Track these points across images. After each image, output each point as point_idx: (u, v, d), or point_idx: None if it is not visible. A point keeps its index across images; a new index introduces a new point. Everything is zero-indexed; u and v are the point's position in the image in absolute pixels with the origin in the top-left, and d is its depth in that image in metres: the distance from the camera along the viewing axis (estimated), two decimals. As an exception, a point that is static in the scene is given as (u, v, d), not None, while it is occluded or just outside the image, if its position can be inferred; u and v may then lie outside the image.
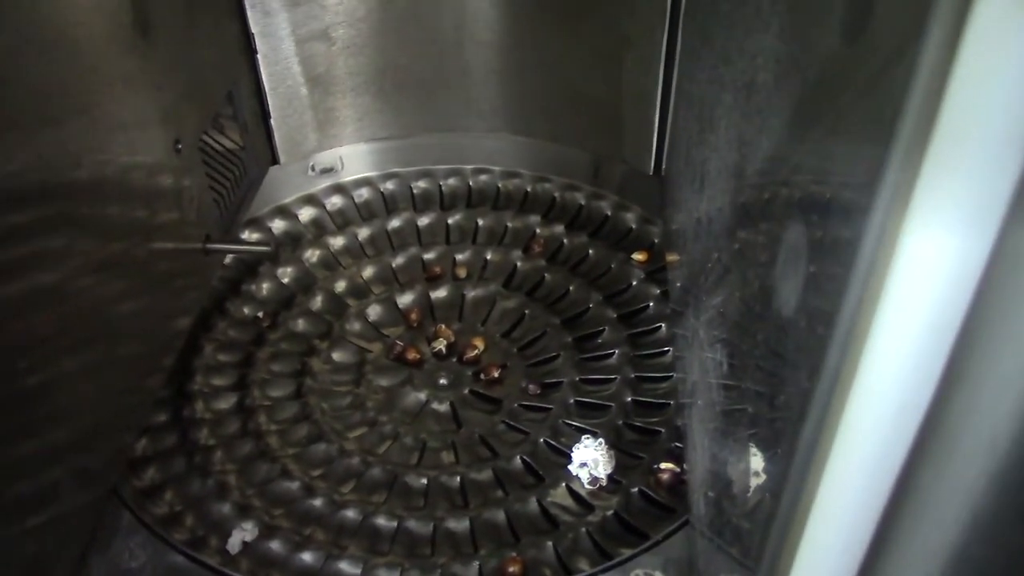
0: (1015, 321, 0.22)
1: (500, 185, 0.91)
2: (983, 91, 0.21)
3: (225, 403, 0.69)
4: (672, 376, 0.70)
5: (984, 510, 0.25)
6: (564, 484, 0.63)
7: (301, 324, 0.76)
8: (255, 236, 0.84)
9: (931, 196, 0.22)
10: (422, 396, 0.71)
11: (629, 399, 0.69)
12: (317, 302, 0.78)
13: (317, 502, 0.62)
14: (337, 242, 0.85)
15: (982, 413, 0.24)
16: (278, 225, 0.86)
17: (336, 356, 0.74)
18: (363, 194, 0.90)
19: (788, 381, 0.31)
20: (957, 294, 0.23)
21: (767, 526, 0.32)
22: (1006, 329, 0.22)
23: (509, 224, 0.86)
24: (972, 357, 0.23)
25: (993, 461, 0.24)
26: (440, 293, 0.80)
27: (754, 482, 0.37)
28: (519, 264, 0.82)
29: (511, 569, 0.56)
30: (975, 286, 0.23)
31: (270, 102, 0.82)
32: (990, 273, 0.22)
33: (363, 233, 0.86)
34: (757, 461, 0.37)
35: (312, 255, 0.83)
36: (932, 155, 0.22)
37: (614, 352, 0.73)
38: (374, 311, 0.78)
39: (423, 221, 0.87)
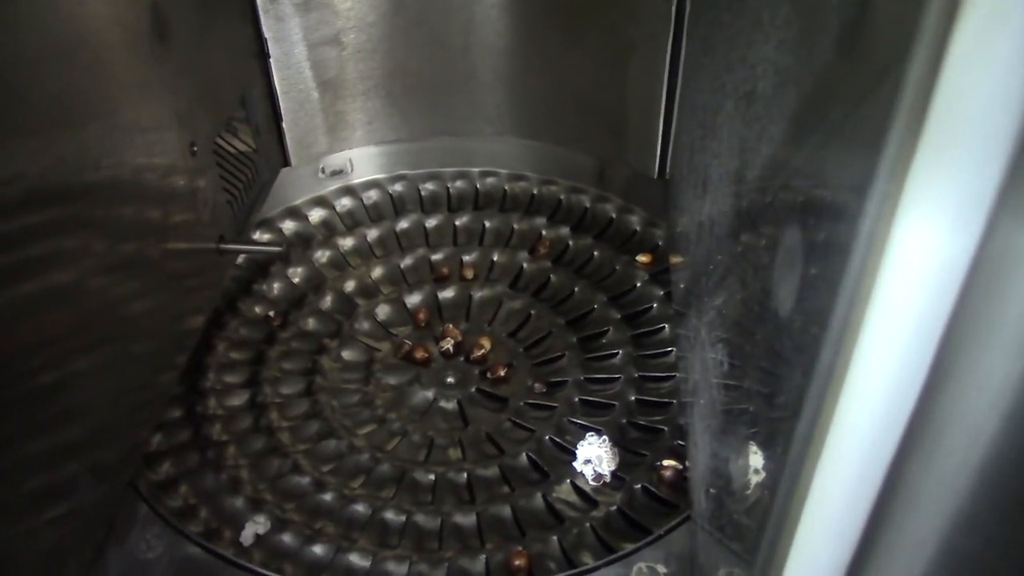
0: (993, 323, 0.23)
1: (507, 188, 0.92)
2: (964, 104, 0.22)
3: (237, 400, 0.71)
4: (675, 376, 0.71)
5: (967, 502, 0.26)
6: (569, 480, 0.64)
7: (311, 323, 0.78)
8: (267, 237, 0.85)
9: (918, 201, 0.24)
10: (430, 394, 0.72)
11: (633, 398, 0.70)
12: (327, 302, 0.80)
13: (327, 496, 0.63)
14: (347, 243, 0.86)
15: (964, 410, 0.25)
16: (289, 226, 0.87)
17: (346, 355, 0.75)
18: (372, 196, 0.91)
19: (785, 380, 0.32)
20: (942, 296, 0.24)
21: (764, 517, 0.34)
22: (985, 331, 0.24)
23: (515, 226, 0.87)
24: (955, 356, 0.25)
25: (975, 455, 0.25)
26: (447, 293, 0.81)
27: (753, 479, 0.39)
28: (525, 265, 0.83)
29: (517, 562, 0.58)
30: (958, 288, 0.24)
31: (282, 106, 0.83)
32: (972, 276, 0.24)
33: (372, 234, 0.87)
34: (756, 458, 0.38)
35: (322, 255, 0.84)
36: (918, 163, 0.23)
37: (618, 352, 0.74)
38: (383, 311, 0.79)
39: (431, 223, 0.88)
